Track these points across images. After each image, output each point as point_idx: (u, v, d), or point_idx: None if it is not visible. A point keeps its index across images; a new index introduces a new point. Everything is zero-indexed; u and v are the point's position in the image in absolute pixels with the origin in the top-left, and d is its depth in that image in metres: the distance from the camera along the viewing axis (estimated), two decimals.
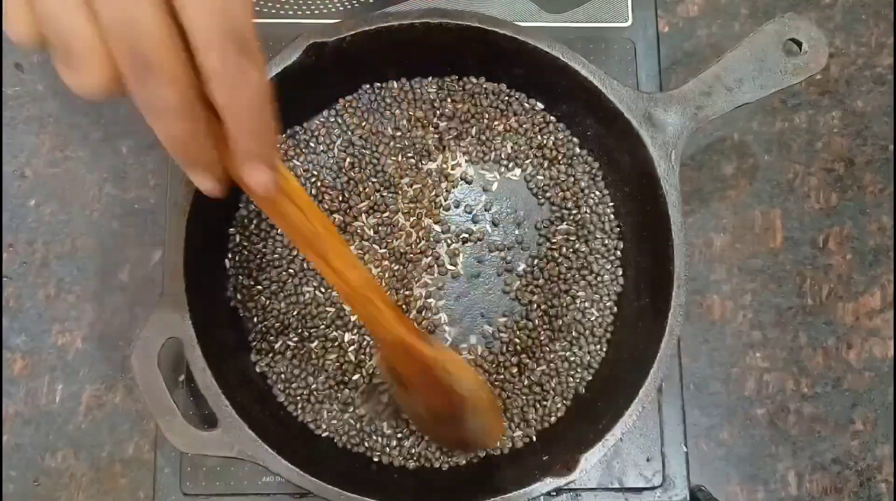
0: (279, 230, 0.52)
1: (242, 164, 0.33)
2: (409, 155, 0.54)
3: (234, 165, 0.33)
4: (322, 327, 0.52)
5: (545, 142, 0.54)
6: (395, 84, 0.54)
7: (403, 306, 0.52)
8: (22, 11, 0.27)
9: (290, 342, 0.52)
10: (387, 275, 0.52)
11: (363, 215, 0.53)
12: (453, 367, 0.44)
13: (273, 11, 0.57)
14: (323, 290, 0.52)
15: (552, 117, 0.54)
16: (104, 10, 0.26)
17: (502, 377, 0.52)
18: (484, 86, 0.54)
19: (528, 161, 0.54)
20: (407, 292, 0.52)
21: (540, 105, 0.54)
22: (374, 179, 0.53)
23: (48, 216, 0.55)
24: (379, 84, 0.54)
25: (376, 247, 0.53)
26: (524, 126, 0.54)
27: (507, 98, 0.54)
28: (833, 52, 0.59)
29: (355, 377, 0.51)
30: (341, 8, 0.57)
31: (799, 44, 0.48)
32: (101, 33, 0.27)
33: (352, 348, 0.52)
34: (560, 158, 0.54)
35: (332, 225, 0.39)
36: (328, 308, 0.52)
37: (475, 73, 0.54)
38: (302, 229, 0.38)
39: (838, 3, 0.60)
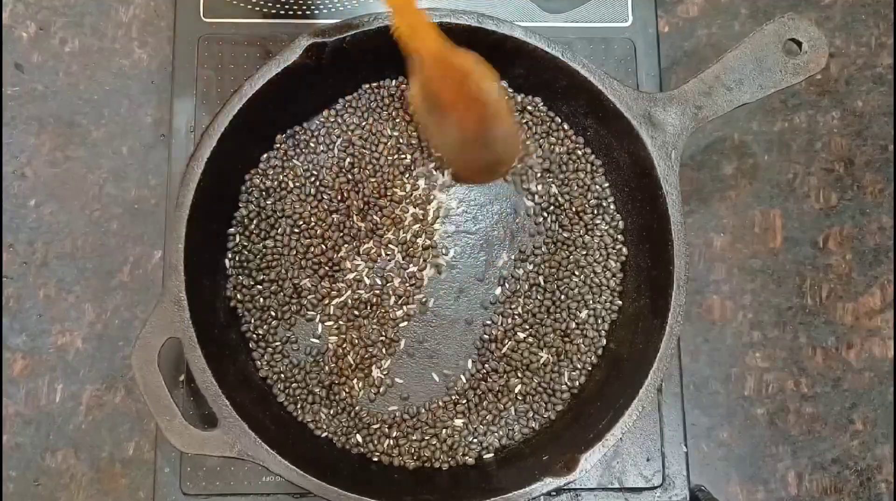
0: (279, 230, 0.52)
1: None
2: (409, 155, 0.54)
3: None
4: (322, 327, 0.52)
5: (546, 141, 0.54)
6: (395, 84, 0.54)
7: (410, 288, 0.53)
8: None
9: (289, 343, 0.52)
10: (389, 265, 0.53)
11: (362, 214, 0.53)
12: (485, 76, 0.46)
13: (273, 11, 0.57)
14: (322, 290, 0.52)
15: (553, 115, 0.54)
16: None
17: (503, 375, 0.52)
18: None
19: (527, 160, 0.54)
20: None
21: (543, 106, 0.54)
22: (373, 179, 0.53)
23: (48, 216, 0.55)
24: (378, 84, 0.54)
25: (377, 240, 0.53)
26: (524, 125, 0.54)
27: (507, 98, 0.54)
28: (833, 52, 0.59)
29: (354, 380, 0.51)
30: (341, 8, 0.57)
31: (799, 44, 0.48)
32: None
33: (352, 348, 0.52)
34: (561, 156, 0.54)
35: None
36: (328, 308, 0.52)
37: None
38: None
39: (838, 3, 0.60)
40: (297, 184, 0.53)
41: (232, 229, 0.52)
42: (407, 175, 0.54)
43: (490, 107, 0.47)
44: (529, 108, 0.54)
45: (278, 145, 0.53)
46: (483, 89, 0.46)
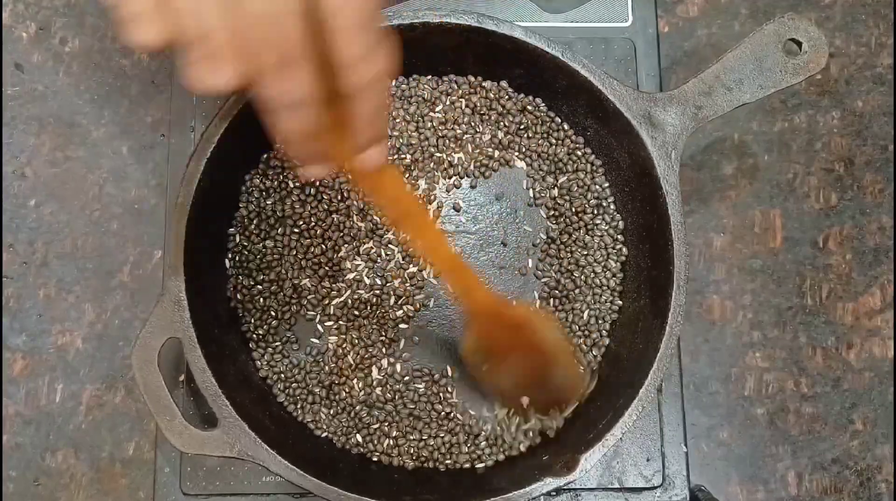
0: (279, 230, 0.52)
1: (363, 148, 0.34)
2: (409, 155, 0.54)
3: (350, 151, 0.34)
4: (322, 327, 0.52)
5: (546, 141, 0.54)
6: (395, 84, 0.54)
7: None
8: (150, 16, 0.28)
9: (289, 343, 0.52)
10: (389, 266, 0.53)
11: (362, 214, 0.53)
12: (540, 320, 0.48)
13: None
14: (322, 290, 0.52)
15: (553, 115, 0.54)
16: (250, 6, 0.27)
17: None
18: (483, 84, 0.54)
19: (527, 160, 0.54)
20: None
21: (544, 106, 0.54)
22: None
23: (48, 216, 0.55)
24: None
25: (377, 240, 0.53)
26: (524, 125, 0.54)
27: (507, 98, 0.54)
28: (833, 52, 0.59)
29: (354, 380, 0.51)
30: None
31: (799, 44, 0.48)
32: (240, 30, 0.27)
33: (352, 348, 0.52)
34: (561, 157, 0.54)
35: (420, 203, 0.42)
36: (328, 309, 0.52)
37: (475, 72, 0.54)
38: (403, 203, 0.41)
39: (838, 4, 0.60)
40: (297, 184, 0.53)
41: (232, 229, 0.52)
42: (407, 175, 0.54)
43: (550, 354, 0.48)
44: (530, 108, 0.54)
45: (278, 146, 0.53)
46: (542, 338, 0.48)
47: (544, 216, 0.54)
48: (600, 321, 0.53)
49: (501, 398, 0.51)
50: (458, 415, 0.52)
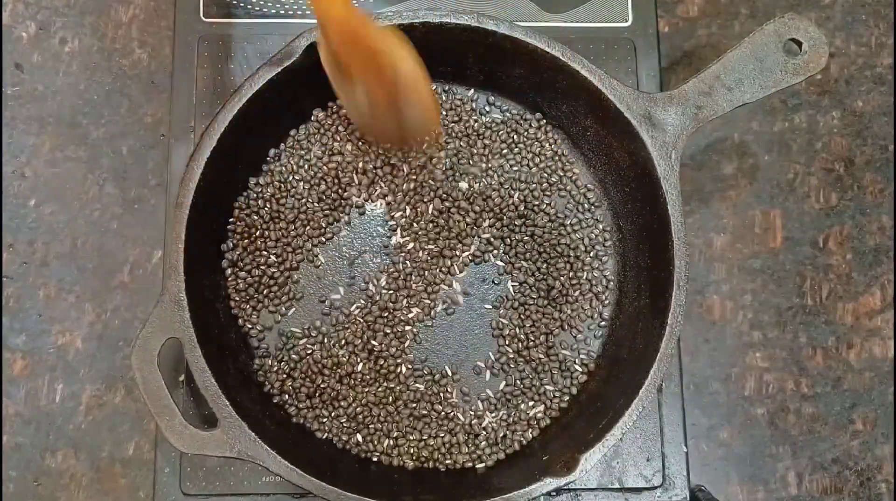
0: (278, 231, 0.52)
1: None
2: (406, 155, 0.54)
3: None
4: (321, 327, 0.52)
5: (543, 142, 0.54)
6: None
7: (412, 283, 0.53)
8: None
9: (289, 343, 0.52)
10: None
11: (361, 208, 0.53)
12: (394, 49, 0.45)
13: (273, 11, 0.57)
14: (321, 290, 0.52)
15: (540, 117, 0.54)
16: None
17: (502, 371, 0.52)
18: (468, 95, 0.55)
19: (524, 160, 0.54)
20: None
21: (539, 116, 0.54)
22: (374, 179, 0.53)
23: (48, 216, 0.55)
24: None
25: (377, 231, 0.53)
26: (522, 126, 0.54)
27: (503, 99, 0.54)
28: (833, 52, 0.59)
29: (357, 368, 0.51)
30: None
31: (799, 44, 0.48)
32: None
33: (351, 348, 0.52)
34: (558, 157, 0.54)
35: None
36: (327, 309, 0.52)
37: (475, 73, 0.54)
38: None
39: (838, 3, 0.60)
40: (297, 184, 0.53)
41: (231, 229, 0.52)
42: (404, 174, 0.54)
43: (401, 82, 0.45)
44: (528, 117, 0.54)
45: (278, 146, 0.53)
46: (393, 66, 0.45)
47: (543, 215, 0.54)
48: (600, 321, 0.53)
49: (358, 123, 0.50)
50: (459, 415, 0.52)
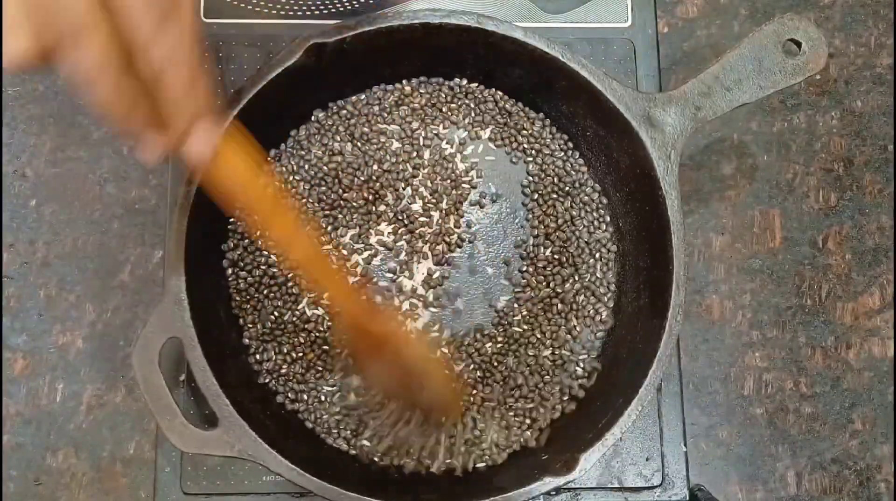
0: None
1: (183, 127, 0.33)
2: (407, 155, 0.54)
3: (173, 131, 0.33)
4: (321, 327, 0.52)
5: (542, 143, 0.54)
6: (395, 84, 0.54)
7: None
8: None
9: (289, 342, 0.52)
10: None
11: (361, 211, 0.53)
12: (410, 346, 0.46)
13: (273, 12, 0.57)
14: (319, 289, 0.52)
15: (543, 117, 0.54)
16: None
17: (500, 373, 0.52)
18: (480, 87, 0.54)
19: (523, 161, 0.54)
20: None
21: (534, 107, 0.54)
22: (373, 179, 0.53)
23: (49, 216, 0.55)
24: (379, 84, 0.54)
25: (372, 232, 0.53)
26: (522, 127, 0.54)
27: (503, 100, 0.55)
28: (832, 52, 0.59)
29: (355, 381, 0.52)
30: (341, 8, 0.57)
31: (798, 44, 0.48)
32: (26, 7, 0.27)
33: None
34: (557, 157, 0.54)
35: (278, 195, 0.39)
36: (325, 308, 0.52)
37: (475, 73, 0.54)
38: (248, 197, 0.38)
39: (837, 4, 0.60)
40: (297, 184, 0.53)
41: (232, 229, 0.53)
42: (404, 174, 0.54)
43: (417, 371, 0.47)
44: (526, 113, 0.54)
45: (278, 146, 0.54)
46: (406, 357, 0.46)
47: (542, 216, 0.54)
48: (599, 321, 0.53)
49: (381, 393, 0.50)
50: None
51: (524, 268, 0.53)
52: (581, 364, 0.52)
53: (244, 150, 0.37)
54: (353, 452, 0.51)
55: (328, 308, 0.44)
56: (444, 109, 0.55)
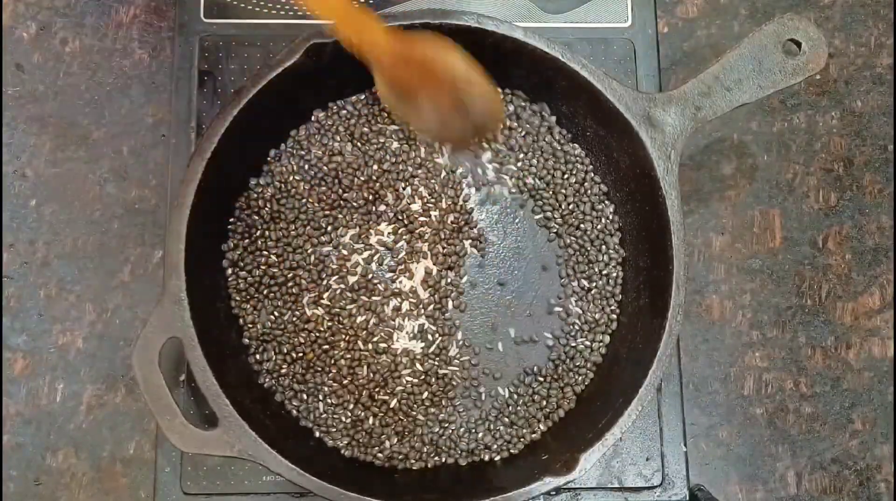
0: (280, 230, 0.53)
1: None
2: (406, 155, 0.54)
3: None
4: (321, 327, 0.52)
5: (543, 142, 0.54)
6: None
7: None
8: None
9: (288, 342, 0.52)
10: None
11: (364, 214, 0.53)
12: (445, 53, 0.46)
13: (273, 11, 0.57)
14: (319, 289, 0.52)
15: (548, 115, 0.54)
16: None
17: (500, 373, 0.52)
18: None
19: (524, 160, 0.54)
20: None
21: (536, 106, 0.54)
22: (373, 179, 0.53)
23: (49, 216, 0.55)
24: None
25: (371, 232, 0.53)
26: (523, 127, 0.54)
27: (505, 99, 0.55)
28: (832, 52, 0.59)
29: (359, 376, 0.52)
30: None
31: (798, 44, 0.48)
32: None
33: (350, 348, 0.52)
34: (557, 158, 0.54)
35: None
36: (330, 309, 0.52)
37: None
38: None
39: (837, 4, 0.60)
40: (297, 184, 0.53)
41: (232, 229, 0.53)
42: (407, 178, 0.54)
43: (460, 80, 0.47)
44: (530, 111, 0.54)
45: (278, 146, 0.54)
46: (448, 67, 0.46)
47: (542, 216, 0.54)
48: (600, 321, 0.53)
49: (432, 137, 0.52)
50: (458, 416, 0.52)
51: (525, 267, 0.53)
52: (581, 363, 0.52)
53: None
54: (354, 451, 0.51)
55: (370, 52, 0.45)
56: None
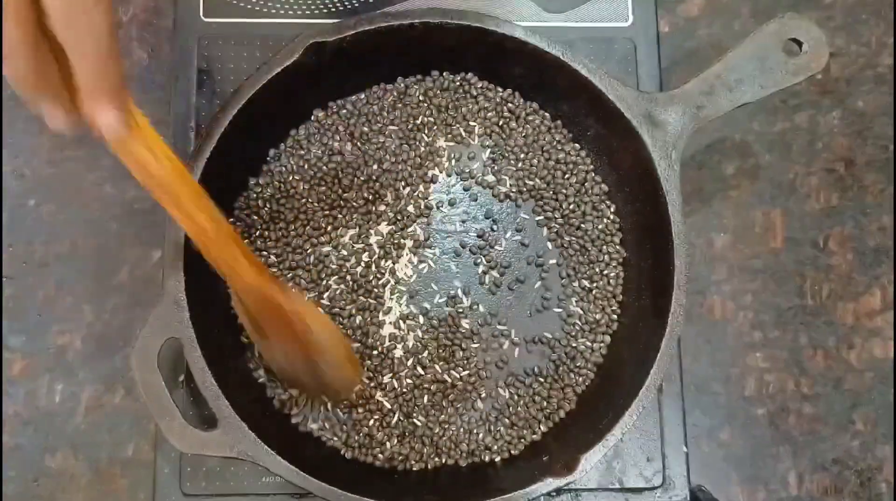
0: (279, 230, 0.52)
1: (90, 102, 0.34)
2: (406, 155, 0.54)
3: (83, 106, 0.34)
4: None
5: (543, 142, 0.54)
6: (395, 84, 0.54)
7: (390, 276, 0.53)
8: None
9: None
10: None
11: (364, 215, 0.53)
12: (310, 318, 0.45)
13: (273, 11, 0.57)
14: (319, 289, 0.52)
15: (549, 114, 0.54)
16: None
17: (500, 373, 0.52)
18: (482, 86, 0.54)
19: (524, 160, 0.54)
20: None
21: (536, 105, 0.54)
22: (373, 179, 0.53)
23: (47, 216, 0.55)
24: (378, 84, 0.54)
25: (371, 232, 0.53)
26: (523, 127, 0.54)
27: (505, 99, 0.54)
28: (834, 51, 0.59)
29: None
30: (341, 8, 0.57)
31: (799, 43, 0.48)
32: None
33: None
34: (558, 157, 0.54)
35: (185, 171, 0.39)
36: (330, 309, 0.52)
37: (475, 73, 0.54)
38: (154, 174, 0.39)
39: (839, 3, 0.60)
40: (297, 184, 0.53)
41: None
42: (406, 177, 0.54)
43: (314, 344, 0.46)
44: (530, 109, 0.54)
45: (278, 146, 0.53)
46: (307, 329, 0.45)
47: (542, 216, 0.54)
48: (601, 322, 0.53)
49: (278, 376, 0.50)
50: (458, 417, 0.52)
51: (526, 268, 0.53)
52: (582, 364, 0.52)
53: (151, 134, 0.38)
54: (354, 452, 0.51)
55: (232, 284, 0.44)
56: (444, 109, 0.54)
